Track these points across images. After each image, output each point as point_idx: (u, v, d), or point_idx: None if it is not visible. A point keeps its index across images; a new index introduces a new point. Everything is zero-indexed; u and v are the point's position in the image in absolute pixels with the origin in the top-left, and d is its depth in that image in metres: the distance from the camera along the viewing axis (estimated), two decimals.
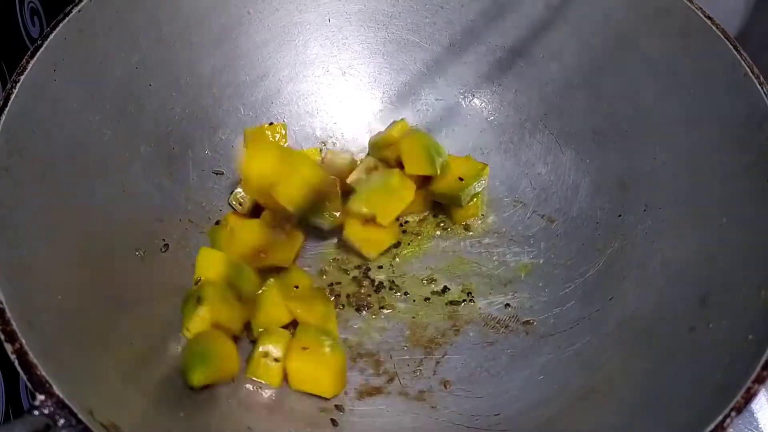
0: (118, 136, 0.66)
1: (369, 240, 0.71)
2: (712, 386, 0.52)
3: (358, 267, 0.73)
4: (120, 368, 0.54)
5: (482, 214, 0.77)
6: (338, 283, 0.72)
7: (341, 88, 0.82)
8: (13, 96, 0.56)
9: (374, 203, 0.70)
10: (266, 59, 0.78)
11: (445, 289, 0.72)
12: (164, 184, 0.70)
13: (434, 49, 0.81)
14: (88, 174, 0.62)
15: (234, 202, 0.73)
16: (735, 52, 0.64)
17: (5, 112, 0.55)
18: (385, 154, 0.75)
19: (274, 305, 0.65)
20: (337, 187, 0.70)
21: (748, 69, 0.63)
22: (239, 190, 0.72)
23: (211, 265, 0.66)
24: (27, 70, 0.58)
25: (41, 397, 0.45)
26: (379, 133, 0.77)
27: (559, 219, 0.74)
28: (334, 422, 0.61)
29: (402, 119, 0.78)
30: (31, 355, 0.46)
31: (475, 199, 0.75)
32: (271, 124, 0.76)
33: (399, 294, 0.71)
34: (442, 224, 0.76)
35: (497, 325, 0.69)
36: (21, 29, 0.71)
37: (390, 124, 0.78)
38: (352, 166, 0.75)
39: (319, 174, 0.68)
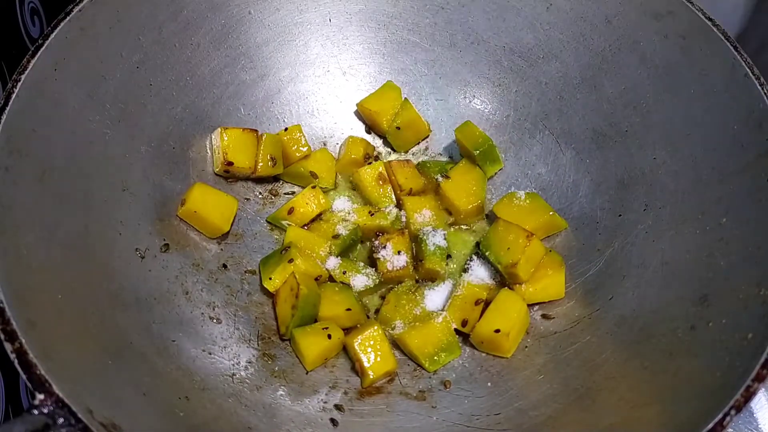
0: (118, 136, 0.66)
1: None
2: (711, 385, 0.52)
3: None
4: (120, 368, 0.54)
5: (485, 214, 0.77)
6: None
7: (341, 88, 0.82)
8: (13, 95, 0.56)
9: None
10: (267, 59, 0.78)
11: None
12: (164, 184, 0.70)
13: (434, 49, 0.81)
14: (88, 174, 0.62)
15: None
16: (735, 53, 0.64)
17: (6, 111, 0.55)
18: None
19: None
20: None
21: (748, 69, 0.63)
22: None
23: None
24: (28, 70, 0.58)
25: (41, 396, 0.45)
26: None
27: None
28: (334, 422, 0.61)
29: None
30: (31, 355, 0.46)
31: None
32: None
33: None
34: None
35: None
36: (21, 29, 0.71)
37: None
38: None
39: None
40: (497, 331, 0.64)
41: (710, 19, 0.66)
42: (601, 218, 0.72)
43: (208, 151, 0.75)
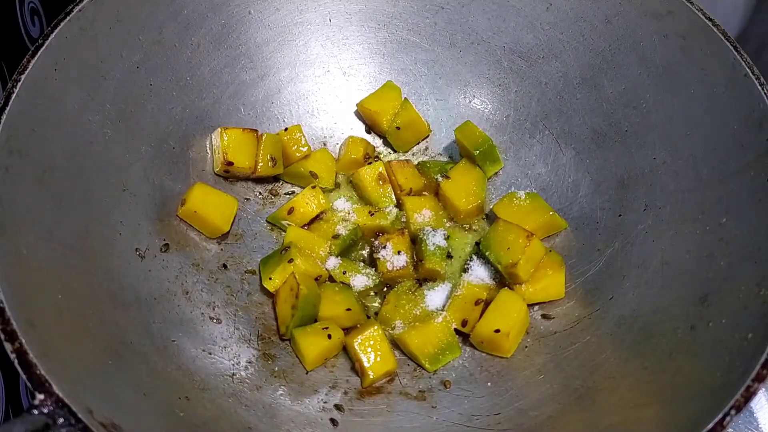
0: (118, 136, 0.66)
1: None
2: (711, 385, 0.52)
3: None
4: (120, 368, 0.54)
5: (485, 214, 0.77)
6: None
7: (341, 88, 0.82)
8: (13, 95, 0.56)
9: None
10: (267, 59, 0.78)
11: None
12: (164, 184, 0.70)
13: (434, 49, 0.81)
14: (88, 174, 0.62)
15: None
16: (735, 53, 0.64)
17: (6, 111, 0.55)
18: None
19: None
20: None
21: (748, 69, 0.63)
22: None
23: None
24: (28, 70, 0.58)
25: (41, 396, 0.45)
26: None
27: None
28: (334, 422, 0.61)
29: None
30: (31, 355, 0.46)
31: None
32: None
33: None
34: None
35: None
36: (21, 29, 0.71)
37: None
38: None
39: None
40: (497, 331, 0.64)
41: (710, 19, 0.66)
42: (601, 218, 0.72)
43: (208, 151, 0.75)
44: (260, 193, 0.77)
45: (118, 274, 0.61)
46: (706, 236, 0.62)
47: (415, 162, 0.79)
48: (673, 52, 0.69)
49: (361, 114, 0.82)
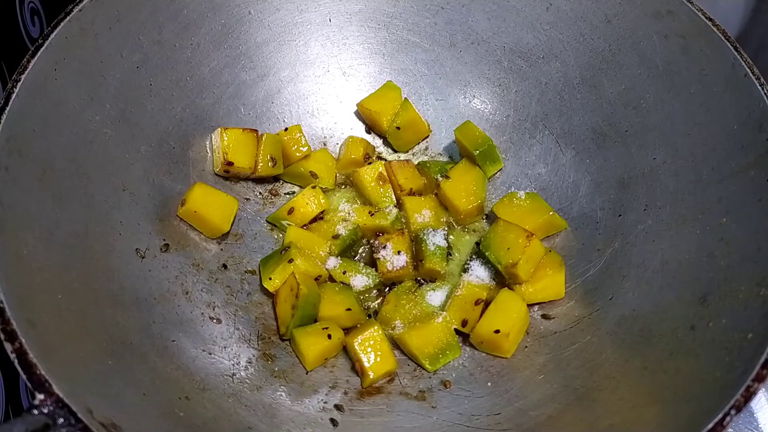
0: (118, 136, 0.66)
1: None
2: (711, 385, 0.52)
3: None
4: (120, 368, 0.54)
5: (485, 214, 0.77)
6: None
7: (341, 88, 0.82)
8: (13, 95, 0.56)
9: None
10: (267, 59, 0.78)
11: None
12: (164, 184, 0.70)
13: (434, 49, 0.81)
14: (88, 174, 0.62)
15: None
16: (735, 53, 0.64)
17: (6, 111, 0.55)
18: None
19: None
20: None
21: (748, 69, 0.63)
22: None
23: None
24: (28, 70, 0.58)
25: (41, 396, 0.45)
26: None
27: None
28: (334, 422, 0.61)
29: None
30: (31, 355, 0.46)
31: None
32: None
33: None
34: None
35: None
36: (21, 29, 0.71)
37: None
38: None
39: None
40: (497, 331, 0.64)
41: (710, 19, 0.66)
42: (601, 218, 0.72)
43: (208, 151, 0.75)
44: (260, 193, 0.77)
45: (118, 274, 0.61)
46: (706, 236, 0.62)
47: (415, 162, 0.79)
48: (673, 52, 0.69)
49: (361, 114, 0.82)
